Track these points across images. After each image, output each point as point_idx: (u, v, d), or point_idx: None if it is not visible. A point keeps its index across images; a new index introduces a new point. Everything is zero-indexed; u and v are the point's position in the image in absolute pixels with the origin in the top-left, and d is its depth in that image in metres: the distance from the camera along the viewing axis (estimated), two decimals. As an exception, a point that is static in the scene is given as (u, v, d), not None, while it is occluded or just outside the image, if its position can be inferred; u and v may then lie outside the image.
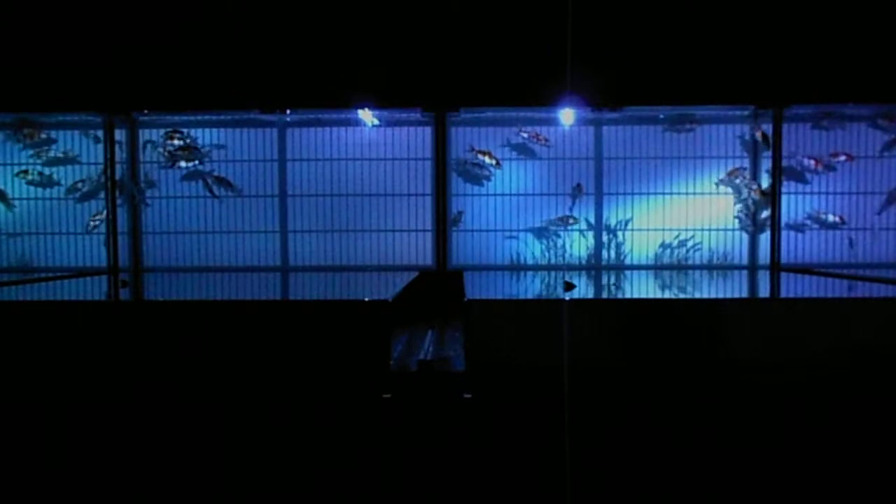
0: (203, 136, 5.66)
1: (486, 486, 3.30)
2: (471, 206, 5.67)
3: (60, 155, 5.62)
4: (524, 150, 5.61)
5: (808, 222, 5.59)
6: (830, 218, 5.54)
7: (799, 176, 5.57)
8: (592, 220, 5.65)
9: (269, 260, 5.74)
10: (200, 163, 5.60)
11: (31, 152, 5.63)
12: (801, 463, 3.31)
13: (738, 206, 5.58)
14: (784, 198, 5.54)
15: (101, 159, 5.62)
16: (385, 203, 5.72)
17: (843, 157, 5.49)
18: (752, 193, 5.50)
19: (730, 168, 5.56)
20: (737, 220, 5.60)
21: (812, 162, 5.48)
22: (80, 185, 5.63)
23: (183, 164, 5.56)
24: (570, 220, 5.57)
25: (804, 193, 5.60)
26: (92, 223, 5.60)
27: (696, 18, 5.31)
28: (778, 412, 3.29)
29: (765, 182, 5.51)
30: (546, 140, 5.55)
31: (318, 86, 5.39)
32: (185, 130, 5.60)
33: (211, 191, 5.62)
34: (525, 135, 5.55)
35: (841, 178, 5.59)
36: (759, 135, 5.48)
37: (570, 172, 5.63)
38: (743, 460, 3.31)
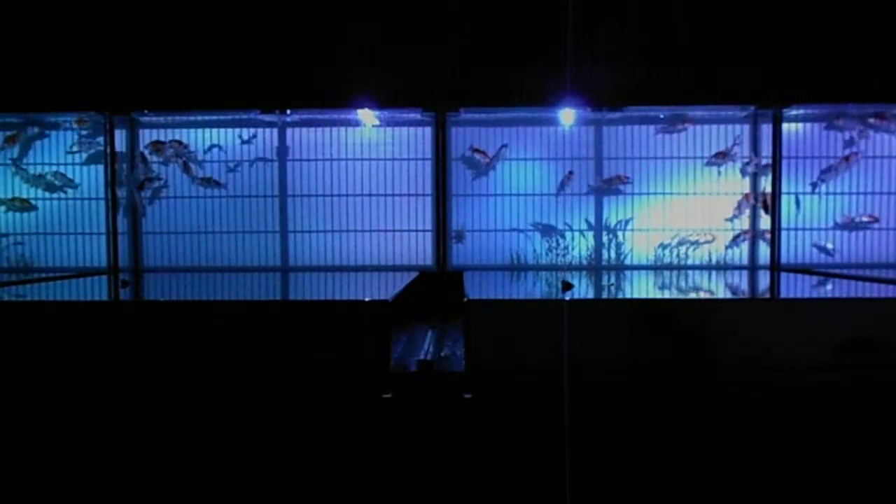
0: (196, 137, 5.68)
1: (486, 486, 3.30)
2: (471, 206, 5.68)
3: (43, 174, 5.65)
4: (608, 191, 5.62)
5: (833, 241, 5.61)
6: (864, 219, 5.55)
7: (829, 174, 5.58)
8: (592, 221, 5.66)
9: (269, 260, 5.74)
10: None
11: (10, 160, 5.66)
12: (794, 463, 3.31)
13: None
14: (802, 200, 5.59)
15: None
16: (385, 203, 5.72)
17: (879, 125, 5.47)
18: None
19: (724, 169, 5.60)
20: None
21: (843, 162, 5.49)
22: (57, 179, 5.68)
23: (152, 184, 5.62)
24: (624, 179, 5.55)
25: (817, 194, 5.61)
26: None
27: (695, 19, 5.31)
28: (777, 414, 3.30)
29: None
30: (627, 178, 5.55)
31: (318, 86, 5.39)
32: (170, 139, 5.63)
33: (187, 168, 5.58)
34: (605, 184, 5.57)
35: (856, 177, 5.59)
36: (759, 201, 5.51)
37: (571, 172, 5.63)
38: (742, 462, 3.31)
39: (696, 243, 5.60)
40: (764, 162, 5.50)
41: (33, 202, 5.68)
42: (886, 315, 3.33)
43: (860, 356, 3.29)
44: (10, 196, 5.66)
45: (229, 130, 5.66)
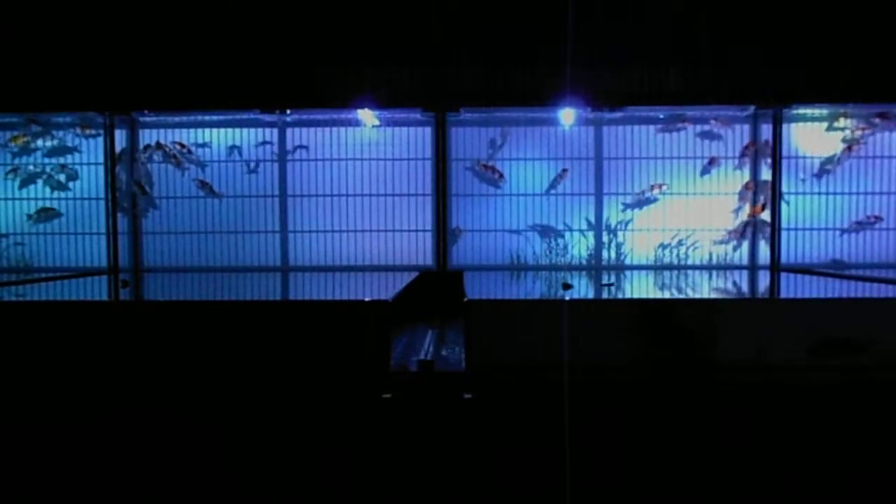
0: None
1: (485, 487, 3.30)
2: (471, 206, 5.68)
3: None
4: (648, 202, 5.62)
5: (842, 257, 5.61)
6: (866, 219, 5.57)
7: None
8: (592, 221, 5.66)
9: (269, 260, 5.74)
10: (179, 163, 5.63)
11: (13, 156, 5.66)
12: (792, 463, 3.32)
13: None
14: (791, 200, 5.58)
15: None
16: (385, 203, 5.72)
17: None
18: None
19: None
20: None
21: (845, 151, 5.49)
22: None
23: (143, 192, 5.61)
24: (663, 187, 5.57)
25: (818, 194, 5.60)
26: None
27: (696, 18, 5.31)
28: (776, 414, 3.30)
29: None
30: (665, 185, 5.55)
31: (318, 86, 5.39)
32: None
33: (175, 158, 5.57)
34: (647, 194, 5.57)
35: (857, 177, 5.59)
36: (756, 210, 5.53)
37: (570, 172, 5.62)
38: (741, 463, 3.31)
39: (726, 241, 5.61)
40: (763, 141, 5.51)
41: (34, 202, 5.69)
42: (886, 315, 3.33)
43: (858, 356, 3.29)
44: (36, 209, 5.68)
45: (244, 130, 5.67)
